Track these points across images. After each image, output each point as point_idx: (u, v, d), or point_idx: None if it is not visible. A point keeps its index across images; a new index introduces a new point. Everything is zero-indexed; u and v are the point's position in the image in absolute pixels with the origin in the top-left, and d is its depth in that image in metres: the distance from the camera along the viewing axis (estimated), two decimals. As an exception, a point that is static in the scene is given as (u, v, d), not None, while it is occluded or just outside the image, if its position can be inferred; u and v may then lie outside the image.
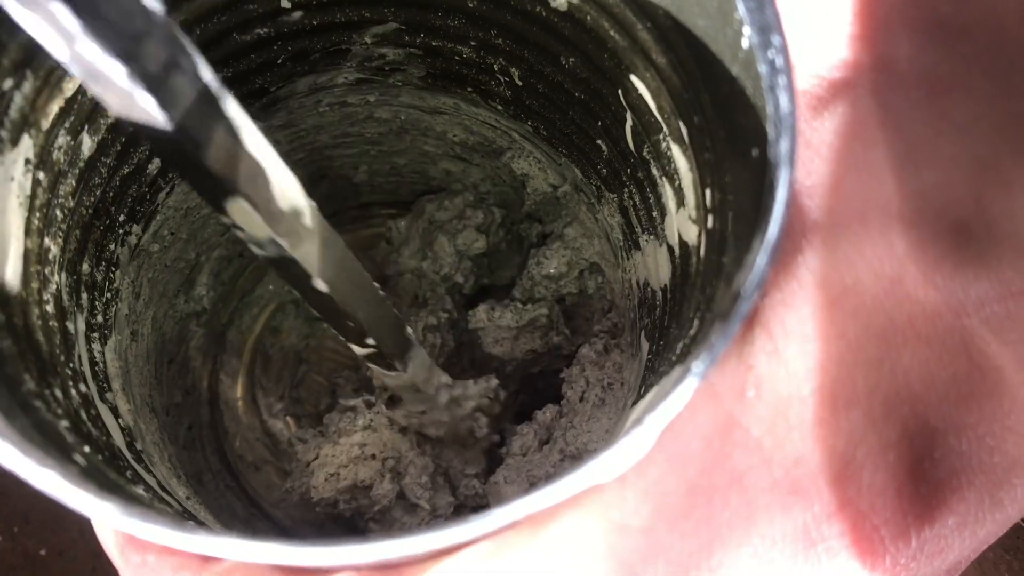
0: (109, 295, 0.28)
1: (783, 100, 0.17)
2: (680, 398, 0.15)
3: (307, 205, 0.20)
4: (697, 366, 0.15)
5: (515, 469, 0.30)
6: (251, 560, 0.15)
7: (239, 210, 0.18)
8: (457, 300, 0.37)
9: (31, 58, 0.21)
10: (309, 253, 0.20)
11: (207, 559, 0.21)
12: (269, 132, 0.31)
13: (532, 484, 0.30)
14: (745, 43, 0.18)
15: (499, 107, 0.30)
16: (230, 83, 0.28)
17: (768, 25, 0.17)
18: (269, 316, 0.38)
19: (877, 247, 0.20)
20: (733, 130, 0.20)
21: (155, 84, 0.15)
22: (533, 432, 0.31)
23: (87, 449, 0.20)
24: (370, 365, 0.27)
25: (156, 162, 0.28)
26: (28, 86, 0.21)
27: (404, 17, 0.27)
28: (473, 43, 0.28)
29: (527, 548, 0.19)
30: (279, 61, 0.28)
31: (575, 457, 0.29)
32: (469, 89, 0.30)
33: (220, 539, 0.14)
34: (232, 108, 0.17)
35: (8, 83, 0.21)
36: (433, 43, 0.28)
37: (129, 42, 0.14)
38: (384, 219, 0.39)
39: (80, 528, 0.37)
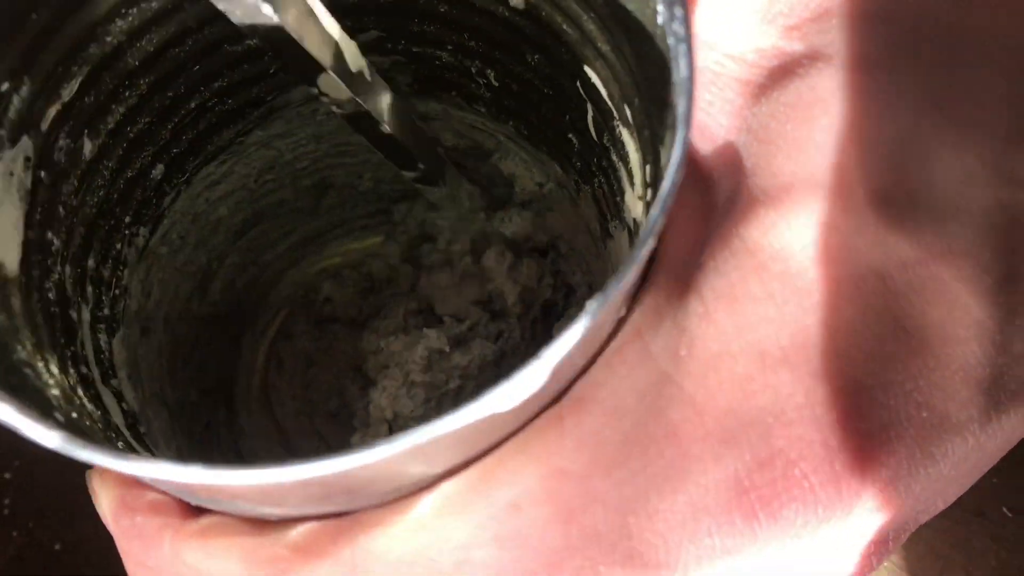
0: (117, 291, 0.30)
1: (683, 65, 0.18)
2: (574, 334, 0.16)
3: (365, 64, 0.27)
4: (591, 305, 0.16)
5: None
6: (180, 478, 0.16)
7: (327, 81, 0.26)
8: None
9: (29, 64, 0.23)
10: (376, 104, 0.28)
11: (190, 514, 0.23)
12: (270, 141, 0.33)
13: None
14: (659, 20, 0.19)
15: (482, 109, 0.32)
16: (228, 92, 0.30)
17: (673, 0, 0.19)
18: (282, 321, 0.40)
19: (801, 216, 0.21)
20: (661, 106, 0.21)
21: None
22: None
23: (74, 415, 0.22)
24: (417, 185, 0.34)
25: (160, 168, 0.30)
26: (25, 90, 0.24)
27: (384, 25, 0.29)
28: (449, 47, 0.30)
29: (472, 495, 0.20)
30: (271, 71, 0.30)
31: None
32: (454, 93, 0.32)
33: (157, 463, 0.16)
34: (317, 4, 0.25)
35: (5, 86, 0.23)
36: (414, 49, 0.30)
37: None
38: (391, 225, 0.40)
39: (95, 523, 0.39)
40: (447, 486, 0.20)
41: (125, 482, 0.24)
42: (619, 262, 0.29)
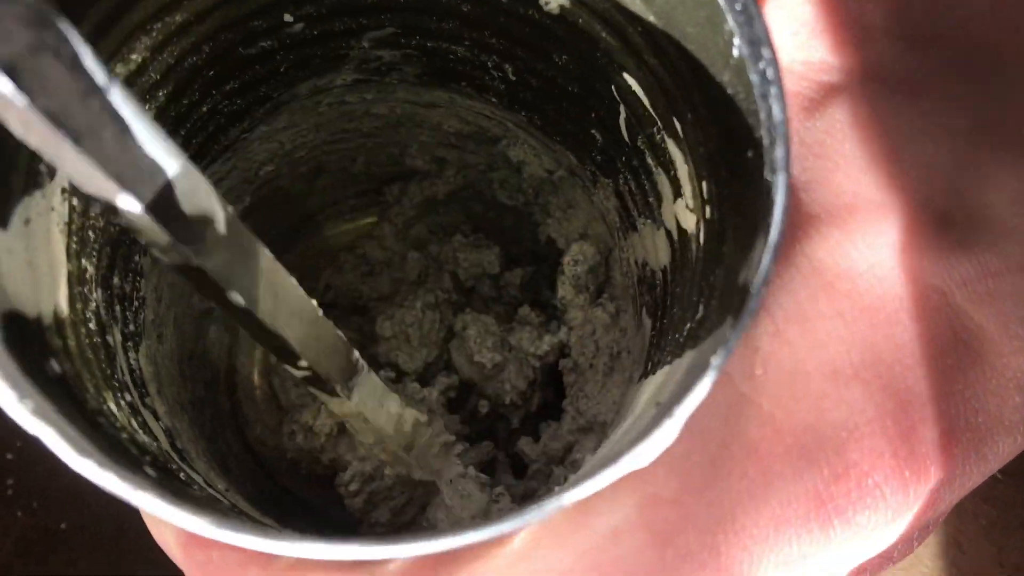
0: (137, 303, 0.29)
1: (776, 109, 0.18)
2: (701, 391, 0.17)
3: (220, 210, 0.19)
4: (715, 360, 0.17)
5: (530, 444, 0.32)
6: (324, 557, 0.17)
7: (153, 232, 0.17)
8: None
9: None
10: (222, 263, 0.19)
11: (271, 555, 0.23)
12: (273, 135, 0.33)
13: (552, 458, 0.32)
14: (735, 52, 0.19)
15: (493, 100, 0.32)
16: (238, 93, 0.29)
17: (758, 39, 0.19)
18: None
19: (867, 236, 0.21)
20: (726, 130, 0.21)
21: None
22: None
23: (147, 458, 0.22)
24: (310, 388, 0.26)
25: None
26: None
27: (400, 22, 0.29)
28: (467, 43, 0.29)
29: (570, 526, 0.21)
30: (282, 69, 0.30)
31: (587, 429, 0.31)
32: (464, 84, 0.32)
33: (305, 544, 0.16)
34: (122, 106, 0.16)
35: None
36: (428, 44, 0.30)
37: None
38: (383, 205, 0.40)
39: (100, 503, 0.39)
40: (547, 522, 0.21)
41: None
42: (648, 255, 0.29)
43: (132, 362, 0.28)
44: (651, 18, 0.23)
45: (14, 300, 0.20)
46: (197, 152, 0.30)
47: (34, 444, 0.43)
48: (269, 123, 0.32)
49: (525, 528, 0.20)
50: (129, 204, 0.16)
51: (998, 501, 0.37)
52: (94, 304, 0.25)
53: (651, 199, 0.27)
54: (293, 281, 0.22)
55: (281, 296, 0.22)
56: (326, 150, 0.36)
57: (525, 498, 0.32)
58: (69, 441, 0.16)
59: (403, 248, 0.39)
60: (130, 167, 0.16)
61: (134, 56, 0.24)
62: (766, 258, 0.18)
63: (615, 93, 0.26)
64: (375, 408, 0.28)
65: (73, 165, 0.15)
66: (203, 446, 0.32)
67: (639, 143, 0.27)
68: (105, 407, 0.22)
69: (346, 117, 0.34)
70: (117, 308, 0.27)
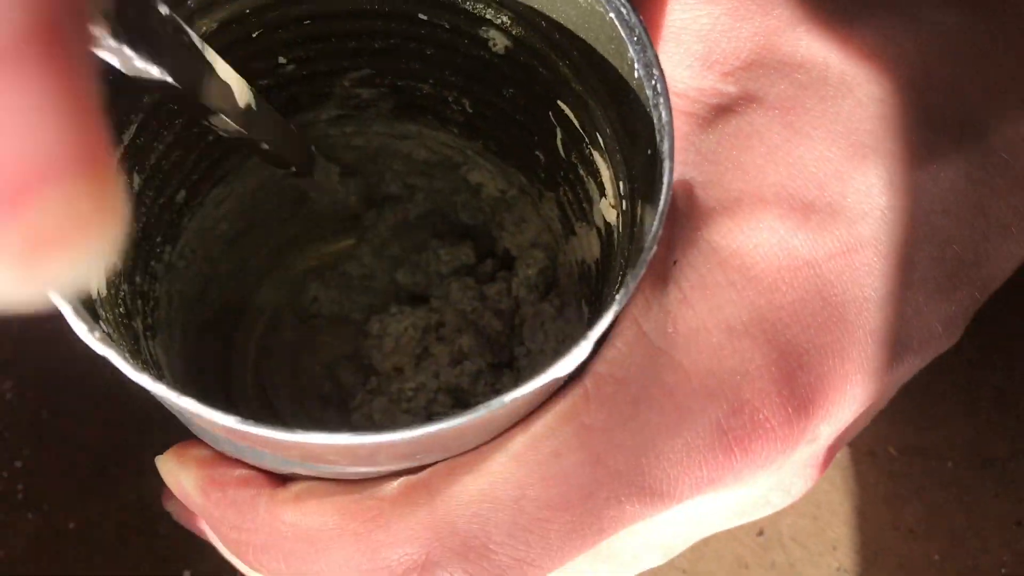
0: (153, 302, 0.34)
1: (664, 113, 0.24)
2: (608, 318, 0.22)
3: (252, 96, 0.29)
4: (619, 297, 0.22)
5: None
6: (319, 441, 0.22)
7: (218, 119, 0.28)
8: None
9: (107, 119, 0.28)
10: (259, 130, 0.30)
11: (279, 483, 0.28)
12: (262, 166, 0.38)
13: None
14: (636, 74, 0.25)
15: (455, 130, 0.38)
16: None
17: (650, 62, 0.25)
18: (268, 318, 0.44)
19: (751, 222, 0.27)
20: (634, 136, 0.27)
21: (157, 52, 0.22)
22: None
23: None
24: (290, 180, 0.38)
25: (183, 193, 0.35)
26: (102, 139, 0.28)
27: (376, 64, 0.35)
28: (431, 81, 0.35)
29: (523, 448, 0.26)
30: (276, 105, 0.35)
31: None
32: (429, 117, 0.37)
33: (311, 435, 0.21)
34: (208, 52, 0.26)
35: None
36: (399, 83, 0.36)
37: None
38: (363, 228, 0.45)
39: (107, 504, 0.43)
40: (507, 444, 0.26)
41: (209, 462, 0.29)
42: (584, 253, 0.35)
43: (152, 349, 0.33)
44: (575, 54, 0.29)
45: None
46: (204, 174, 0.35)
47: (42, 451, 0.48)
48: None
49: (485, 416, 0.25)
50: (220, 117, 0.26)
51: (894, 475, 0.43)
52: (123, 294, 0.30)
53: (584, 204, 0.33)
54: (283, 121, 0.33)
55: (285, 136, 0.33)
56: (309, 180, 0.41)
57: None
58: (126, 360, 0.22)
59: (380, 265, 0.44)
60: (218, 91, 0.25)
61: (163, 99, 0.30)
62: (657, 223, 0.23)
63: (552, 118, 0.32)
64: (321, 174, 0.39)
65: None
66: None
67: (572, 158, 0.33)
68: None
69: (328, 149, 0.40)
70: (139, 302, 0.32)
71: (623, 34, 0.25)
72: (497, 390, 0.39)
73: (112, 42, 0.20)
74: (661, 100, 0.24)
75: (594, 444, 0.26)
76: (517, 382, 0.39)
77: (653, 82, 0.25)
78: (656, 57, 0.25)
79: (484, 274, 0.41)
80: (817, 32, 0.29)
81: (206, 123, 0.28)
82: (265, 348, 0.44)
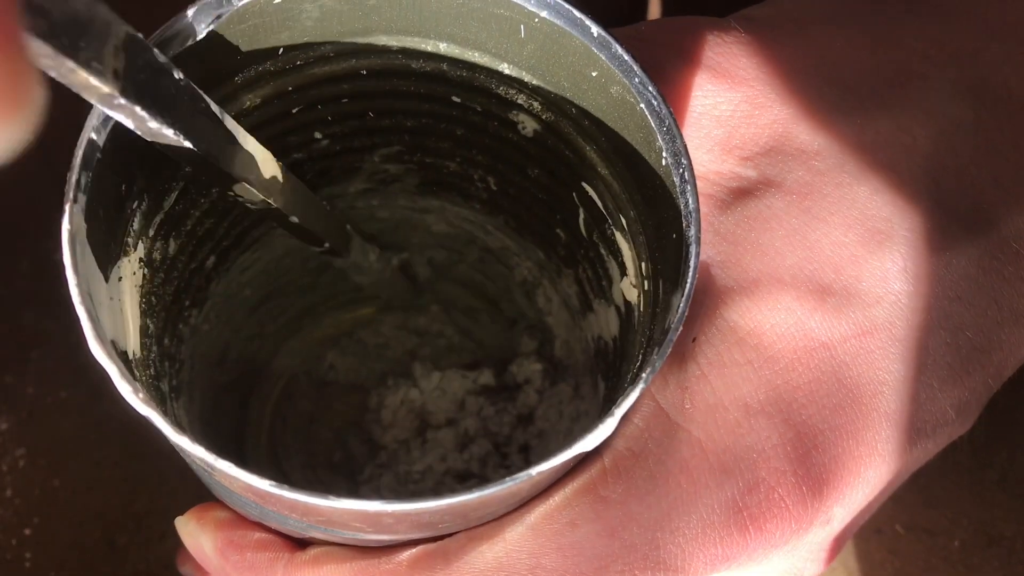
0: (179, 364, 0.35)
1: (691, 200, 0.25)
2: (633, 395, 0.23)
3: (278, 169, 0.30)
4: (644, 375, 0.23)
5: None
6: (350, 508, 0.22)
7: (242, 188, 0.28)
8: None
9: (150, 186, 0.29)
10: (286, 202, 0.31)
11: (296, 547, 0.28)
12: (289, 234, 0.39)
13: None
14: (663, 162, 0.27)
15: (477, 206, 0.39)
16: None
17: (679, 151, 0.26)
18: (284, 385, 0.45)
19: (769, 303, 0.28)
20: (659, 220, 0.28)
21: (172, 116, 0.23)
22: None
23: None
24: (326, 256, 0.38)
25: (212, 259, 0.36)
26: (145, 205, 0.29)
27: (406, 141, 0.36)
28: (458, 159, 0.36)
29: (539, 519, 0.27)
30: (307, 177, 0.36)
31: None
32: (453, 193, 0.39)
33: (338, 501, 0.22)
34: (233, 126, 0.27)
35: (135, 204, 0.28)
36: (427, 160, 0.37)
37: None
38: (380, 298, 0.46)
39: (114, 573, 0.43)
40: (524, 515, 0.27)
41: (229, 524, 0.29)
42: (602, 329, 0.36)
43: (176, 411, 0.34)
44: (603, 140, 0.30)
45: (112, 334, 0.26)
46: (234, 241, 0.36)
47: (50, 519, 0.48)
48: (290, 223, 0.39)
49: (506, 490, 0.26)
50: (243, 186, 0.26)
51: (900, 552, 0.43)
52: (153, 355, 0.31)
53: (604, 282, 0.34)
54: (313, 196, 0.33)
55: (313, 210, 0.33)
56: (333, 249, 0.42)
57: None
58: (170, 424, 0.22)
59: (397, 336, 0.45)
60: (242, 161, 0.26)
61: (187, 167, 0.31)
62: (683, 305, 0.24)
63: (575, 199, 0.34)
64: (359, 254, 0.39)
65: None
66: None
67: (594, 237, 0.34)
68: None
69: (354, 222, 0.41)
70: (166, 364, 0.33)
71: (652, 124, 0.27)
72: (507, 467, 0.40)
73: (122, 101, 0.21)
74: (688, 188, 0.26)
75: (610, 516, 0.27)
76: (528, 462, 0.40)
77: (681, 170, 0.26)
78: (685, 147, 0.26)
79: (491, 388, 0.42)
80: (834, 122, 0.30)
81: (231, 193, 0.29)
82: (280, 412, 0.45)
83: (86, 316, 0.23)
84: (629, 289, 0.32)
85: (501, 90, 0.32)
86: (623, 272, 0.32)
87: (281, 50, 0.30)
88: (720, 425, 0.27)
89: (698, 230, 0.25)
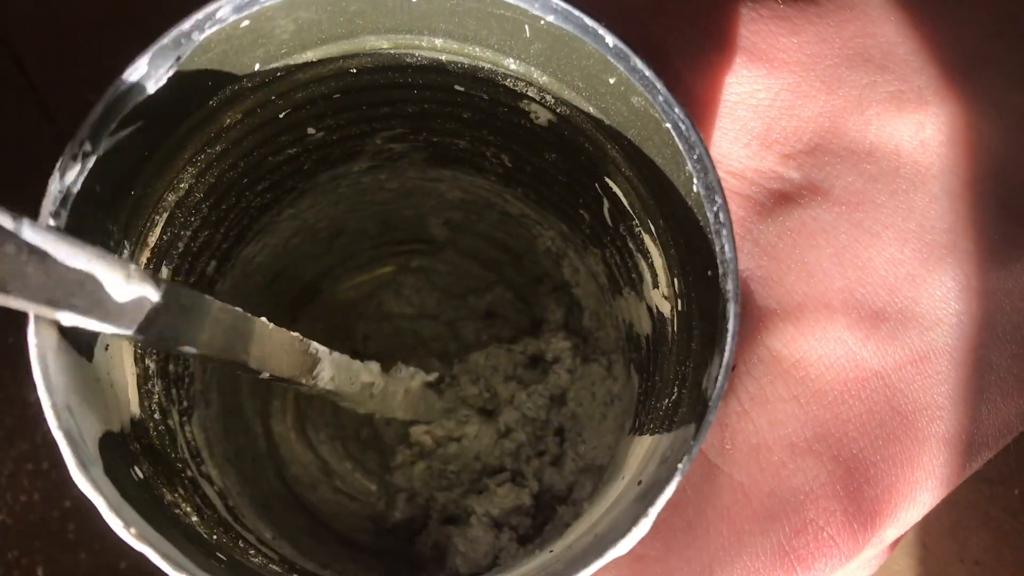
0: (187, 380, 0.33)
1: (727, 247, 0.22)
2: (669, 492, 0.21)
3: (150, 286, 0.22)
4: (683, 464, 0.21)
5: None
6: None
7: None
8: None
9: (130, 229, 0.26)
10: (162, 327, 0.23)
11: None
12: (299, 215, 0.37)
13: (556, 497, 0.36)
14: (694, 190, 0.23)
15: (492, 178, 0.36)
16: (268, 190, 0.33)
17: (712, 187, 0.23)
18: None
19: (816, 331, 0.26)
20: (690, 244, 0.25)
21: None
22: None
23: (215, 538, 0.26)
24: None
25: (213, 264, 0.33)
26: (126, 252, 0.27)
27: (410, 125, 0.32)
28: (467, 138, 0.33)
29: None
30: (305, 167, 0.33)
31: (585, 471, 0.36)
32: (466, 166, 0.35)
33: None
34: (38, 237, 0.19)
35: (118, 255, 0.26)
36: (434, 139, 0.34)
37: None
38: (398, 256, 0.44)
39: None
40: None
41: None
42: (634, 321, 0.33)
43: (188, 435, 0.32)
44: (626, 141, 0.27)
45: (105, 423, 0.24)
46: (234, 242, 0.34)
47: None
48: (295, 206, 0.36)
49: None
50: (75, 320, 0.20)
51: (959, 504, 0.42)
52: (156, 396, 0.29)
53: (634, 275, 0.31)
54: (237, 311, 0.26)
55: (230, 330, 0.26)
56: (344, 217, 0.40)
57: (527, 540, 0.36)
58: (167, 559, 0.21)
59: (421, 297, 0.43)
60: (59, 289, 0.19)
61: (183, 184, 0.28)
62: (722, 376, 0.22)
63: (598, 189, 0.30)
64: (346, 383, 0.32)
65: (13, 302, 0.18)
66: (248, 493, 0.37)
67: (621, 229, 0.31)
68: (176, 495, 0.27)
69: (362, 192, 0.38)
70: (173, 391, 0.31)
71: (680, 147, 0.23)
72: (542, 454, 0.38)
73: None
74: (724, 232, 0.22)
75: (649, 574, 0.25)
76: (562, 448, 0.38)
77: (715, 208, 0.23)
78: (719, 182, 0.23)
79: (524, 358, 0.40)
80: (887, 116, 0.26)
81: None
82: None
83: (66, 443, 0.21)
84: (661, 301, 0.29)
85: (508, 82, 0.28)
86: (655, 279, 0.29)
87: (257, 65, 0.26)
88: (764, 467, 0.25)
89: (737, 284, 0.22)
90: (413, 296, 0.43)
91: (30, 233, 0.18)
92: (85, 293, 0.20)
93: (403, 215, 0.41)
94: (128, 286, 0.21)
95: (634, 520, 0.21)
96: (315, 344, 0.31)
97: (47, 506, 0.45)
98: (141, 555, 0.47)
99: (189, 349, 0.24)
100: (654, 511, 0.21)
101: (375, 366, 0.35)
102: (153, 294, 0.22)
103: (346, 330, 0.44)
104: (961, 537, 0.42)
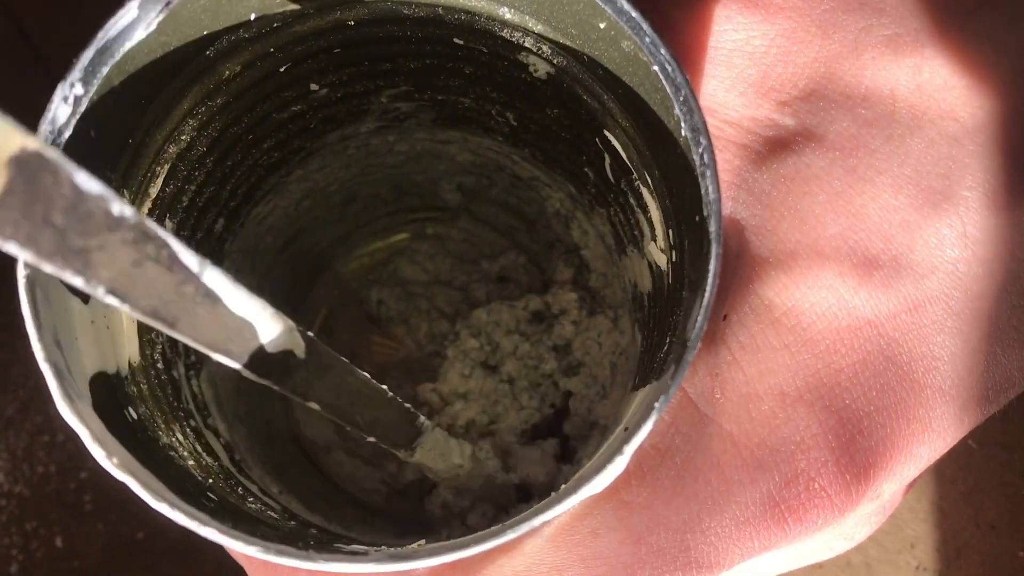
0: (197, 336, 0.34)
1: (711, 188, 0.22)
2: (644, 432, 0.21)
3: (301, 342, 0.23)
4: (660, 403, 0.21)
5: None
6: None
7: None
8: None
9: (129, 179, 0.27)
10: (299, 380, 0.24)
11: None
12: (308, 176, 0.37)
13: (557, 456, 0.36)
14: (682, 134, 0.23)
15: (499, 138, 0.36)
16: (275, 148, 0.34)
17: (697, 128, 0.22)
18: (323, 319, 0.44)
19: (808, 279, 0.25)
20: (682, 192, 0.25)
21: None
22: None
23: (210, 480, 0.27)
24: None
25: (221, 221, 0.34)
26: (127, 200, 0.27)
27: (412, 82, 0.33)
28: (472, 96, 0.33)
29: (560, 531, 0.25)
30: (312, 125, 0.34)
31: (591, 428, 0.36)
32: (473, 126, 0.35)
33: (326, 562, 0.21)
34: (216, 283, 0.20)
35: None
36: (439, 97, 0.34)
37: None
38: (414, 223, 0.44)
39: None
40: (544, 527, 0.25)
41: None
42: (637, 279, 0.33)
43: (195, 389, 0.32)
44: (620, 90, 0.27)
45: (99, 363, 0.24)
46: (242, 200, 0.34)
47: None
48: (304, 167, 0.36)
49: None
50: (224, 360, 0.21)
51: (974, 468, 0.41)
52: (160, 346, 0.30)
53: (636, 232, 0.31)
54: (364, 377, 0.27)
55: (354, 393, 0.27)
56: (356, 182, 0.40)
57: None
58: (147, 489, 0.21)
59: (435, 264, 0.43)
60: (221, 332, 0.20)
61: (184, 137, 0.29)
62: (702, 317, 0.21)
63: (599, 144, 0.30)
64: (436, 459, 0.33)
65: (177, 336, 0.19)
66: (258, 451, 0.37)
67: (622, 185, 0.30)
68: (174, 439, 0.27)
69: (372, 155, 0.38)
70: (180, 345, 0.32)
71: (668, 90, 0.23)
72: (544, 401, 0.38)
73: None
74: (708, 172, 0.22)
75: (635, 522, 0.25)
76: (565, 401, 0.38)
77: (700, 150, 0.22)
78: (704, 124, 0.22)
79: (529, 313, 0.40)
80: (883, 60, 0.26)
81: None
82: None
83: (52, 375, 0.21)
84: (658, 253, 0.29)
85: (506, 32, 0.28)
86: (652, 232, 0.29)
87: (253, 15, 0.27)
88: (754, 416, 0.25)
89: (719, 226, 0.22)
90: (427, 263, 0.44)
91: (210, 277, 0.19)
92: (242, 340, 0.21)
93: (415, 180, 0.41)
94: (280, 339, 0.22)
95: (609, 458, 0.21)
96: (423, 418, 0.31)
97: (63, 478, 0.46)
98: (158, 525, 0.48)
99: (313, 405, 0.25)
100: (629, 448, 0.21)
101: (468, 448, 0.35)
102: (300, 351, 0.23)
103: (361, 295, 0.44)
104: (976, 501, 0.41)
